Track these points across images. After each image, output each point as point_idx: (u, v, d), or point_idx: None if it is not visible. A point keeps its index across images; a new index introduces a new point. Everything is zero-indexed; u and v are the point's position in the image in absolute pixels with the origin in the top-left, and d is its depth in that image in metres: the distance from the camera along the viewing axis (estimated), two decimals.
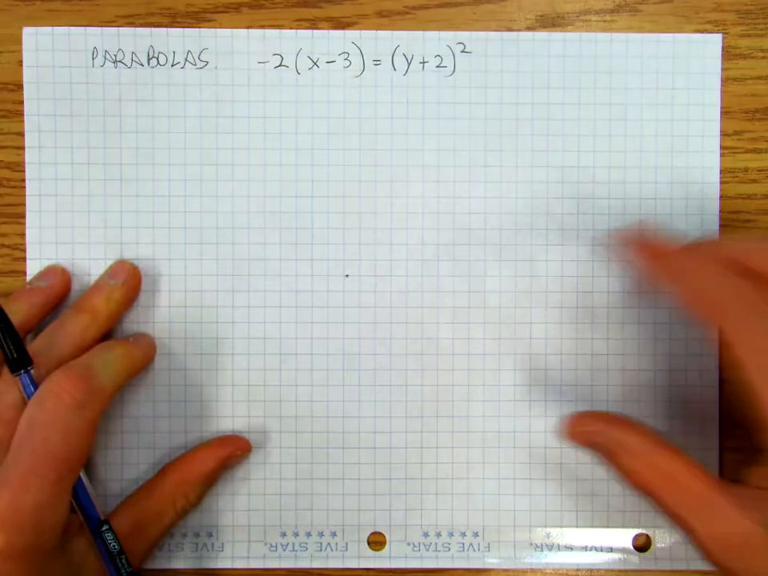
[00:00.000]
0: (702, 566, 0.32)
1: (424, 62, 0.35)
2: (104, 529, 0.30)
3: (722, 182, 0.35)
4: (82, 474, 0.30)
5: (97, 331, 0.32)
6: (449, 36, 0.35)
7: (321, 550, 0.35)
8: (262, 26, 0.35)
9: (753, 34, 0.35)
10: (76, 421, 0.28)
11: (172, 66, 0.34)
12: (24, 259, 0.34)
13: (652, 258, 0.31)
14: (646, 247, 0.31)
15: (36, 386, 0.29)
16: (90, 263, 0.35)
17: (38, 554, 0.28)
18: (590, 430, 0.30)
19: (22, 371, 0.29)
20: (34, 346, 0.31)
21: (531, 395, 0.35)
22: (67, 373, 0.29)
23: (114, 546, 0.30)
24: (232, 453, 0.33)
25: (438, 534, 0.35)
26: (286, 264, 0.35)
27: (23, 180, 0.34)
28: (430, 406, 0.35)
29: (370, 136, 0.35)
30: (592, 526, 0.35)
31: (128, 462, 0.35)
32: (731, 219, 0.35)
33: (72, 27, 0.34)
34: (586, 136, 0.35)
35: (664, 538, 0.35)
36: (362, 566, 0.35)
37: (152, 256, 0.35)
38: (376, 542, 0.35)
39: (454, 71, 0.35)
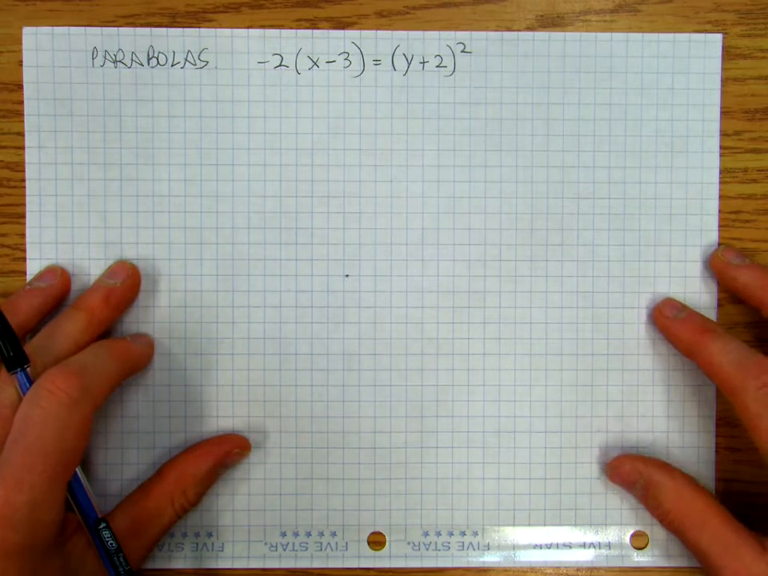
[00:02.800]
0: (697, 563, 0.32)
1: (424, 62, 0.35)
2: (101, 527, 0.30)
3: (721, 182, 0.35)
4: (80, 472, 0.30)
5: (94, 330, 0.32)
6: (449, 36, 0.35)
7: (321, 549, 0.35)
8: (262, 26, 0.35)
9: (753, 34, 0.35)
10: (70, 418, 0.28)
11: (172, 66, 0.34)
12: (24, 259, 0.34)
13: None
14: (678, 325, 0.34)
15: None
16: (90, 263, 0.35)
17: (32, 552, 0.28)
18: (629, 470, 0.33)
19: (19, 369, 0.29)
20: (31, 345, 0.31)
21: (531, 395, 0.35)
22: (62, 370, 0.29)
23: (111, 544, 0.30)
24: (230, 451, 0.33)
25: (438, 534, 0.35)
26: (285, 264, 0.35)
27: (23, 180, 0.34)
28: (429, 406, 0.35)
29: (370, 136, 0.35)
30: (590, 524, 0.35)
31: (128, 462, 0.35)
32: (731, 219, 0.35)
33: (72, 27, 0.34)
34: (586, 136, 0.35)
35: (661, 535, 0.35)
36: (361, 566, 0.35)
37: (152, 256, 0.35)
38: (376, 541, 0.35)
39: (454, 71, 0.35)
